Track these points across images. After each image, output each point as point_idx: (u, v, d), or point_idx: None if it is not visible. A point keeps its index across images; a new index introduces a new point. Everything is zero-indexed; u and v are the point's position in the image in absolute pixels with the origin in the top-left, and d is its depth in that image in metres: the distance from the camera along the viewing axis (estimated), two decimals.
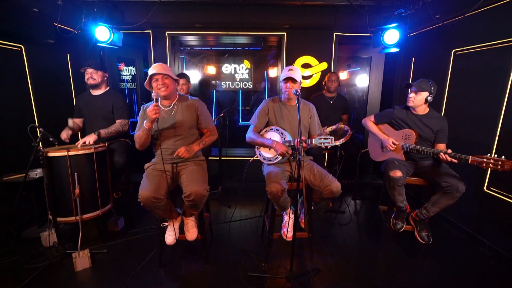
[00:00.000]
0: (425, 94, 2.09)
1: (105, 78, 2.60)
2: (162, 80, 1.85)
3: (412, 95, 2.13)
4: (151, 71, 1.86)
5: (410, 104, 2.16)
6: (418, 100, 2.12)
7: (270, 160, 2.08)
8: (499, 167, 1.67)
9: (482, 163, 1.73)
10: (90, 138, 2.29)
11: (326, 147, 1.84)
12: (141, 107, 2.05)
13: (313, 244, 2.22)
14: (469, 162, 1.77)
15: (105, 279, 1.93)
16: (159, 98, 1.80)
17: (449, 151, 1.89)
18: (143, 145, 1.90)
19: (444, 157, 1.88)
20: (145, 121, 1.82)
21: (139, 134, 1.87)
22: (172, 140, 1.96)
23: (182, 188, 1.83)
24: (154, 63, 3.59)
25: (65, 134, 2.38)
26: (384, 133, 2.32)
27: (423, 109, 2.18)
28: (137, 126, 2.02)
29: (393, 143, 2.20)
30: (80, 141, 2.26)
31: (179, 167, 1.97)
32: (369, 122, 2.41)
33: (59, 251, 2.08)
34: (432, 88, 2.08)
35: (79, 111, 2.64)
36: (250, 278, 1.93)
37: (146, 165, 2.01)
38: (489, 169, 2.29)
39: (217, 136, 2.14)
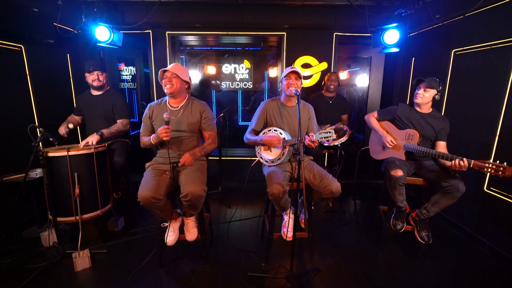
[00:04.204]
0: (433, 92, 2.11)
1: (107, 79, 2.62)
2: (170, 78, 1.91)
3: (421, 91, 2.14)
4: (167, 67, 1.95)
5: (419, 100, 2.16)
6: (426, 98, 2.13)
7: (272, 162, 2.07)
8: (500, 173, 1.67)
9: (483, 168, 1.74)
10: (93, 139, 2.29)
11: (328, 143, 1.80)
12: (147, 107, 2.06)
13: (313, 244, 2.22)
14: (471, 166, 1.78)
15: (105, 279, 1.93)
16: (170, 121, 1.83)
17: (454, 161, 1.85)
18: (146, 146, 2.01)
19: (456, 163, 1.81)
20: (153, 135, 1.88)
21: (145, 142, 1.97)
22: (174, 141, 1.98)
23: (181, 188, 1.84)
24: (154, 63, 3.68)
25: (63, 130, 2.37)
26: (387, 131, 2.32)
27: (427, 108, 2.19)
28: (141, 127, 2.05)
29: (392, 141, 2.20)
30: (83, 142, 2.26)
31: (179, 167, 1.97)
32: (372, 118, 2.41)
33: (59, 251, 2.08)
34: (440, 86, 2.11)
35: (79, 111, 2.65)
36: (250, 278, 1.93)
37: (147, 164, 2.02)
38: None
39: (217, 144, 2.19)
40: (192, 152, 1.93)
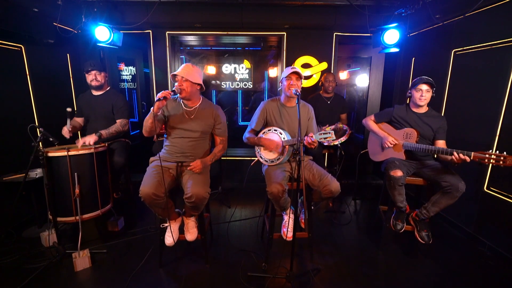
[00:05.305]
0: (431, 91, 2.12)
1: (107, 78, 2.61)
2: (181, 82, 1.89)
3: (424, 93, 2.12)
4: (177, 70, 1.92)
5: (423, 102, 2.15)
6: (428, 98, 2.14)
7: (272, 162, 2.07)
8: (501, 162, 1.68)
9: (484, 159, 1.74)
10: (91, 139, 2.28)
11: (328, 143, 1.80)
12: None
13: (313, 244, 2.22)
14: (471, 158, 1.78)
15: (105, 279, 1.93)
16: (176, 93, 1.86)
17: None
18: (150, 131, 1.91)
19: (456, 156, 1.82)
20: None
21: (146, 118, 1.88)
22: (184, 140, 1.99)
23: (184, 189, 1.84)
24: (154, 63, 3.68)
25: (66, 130, 2.37)
26: (385, 132, 2.32)
27: (424, 108, 2.20)
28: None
29: (392, 141, 2.20)
30: (80, 141, 2.26)
31: (184, 167, 1.98)
32: (370, 121, 2.41)
33: (59, 251, 2.08)
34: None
35: (80, 111, 2.64)
36: (250, 278, 1.93)
37: (151, 159, 2.03)
38: (490, 168, 2.30)
39: (226, 150, 2.19)
40: (204, 160, 1.96)
